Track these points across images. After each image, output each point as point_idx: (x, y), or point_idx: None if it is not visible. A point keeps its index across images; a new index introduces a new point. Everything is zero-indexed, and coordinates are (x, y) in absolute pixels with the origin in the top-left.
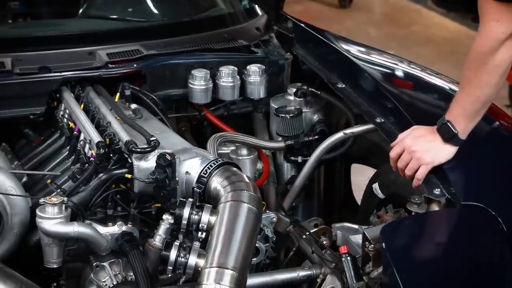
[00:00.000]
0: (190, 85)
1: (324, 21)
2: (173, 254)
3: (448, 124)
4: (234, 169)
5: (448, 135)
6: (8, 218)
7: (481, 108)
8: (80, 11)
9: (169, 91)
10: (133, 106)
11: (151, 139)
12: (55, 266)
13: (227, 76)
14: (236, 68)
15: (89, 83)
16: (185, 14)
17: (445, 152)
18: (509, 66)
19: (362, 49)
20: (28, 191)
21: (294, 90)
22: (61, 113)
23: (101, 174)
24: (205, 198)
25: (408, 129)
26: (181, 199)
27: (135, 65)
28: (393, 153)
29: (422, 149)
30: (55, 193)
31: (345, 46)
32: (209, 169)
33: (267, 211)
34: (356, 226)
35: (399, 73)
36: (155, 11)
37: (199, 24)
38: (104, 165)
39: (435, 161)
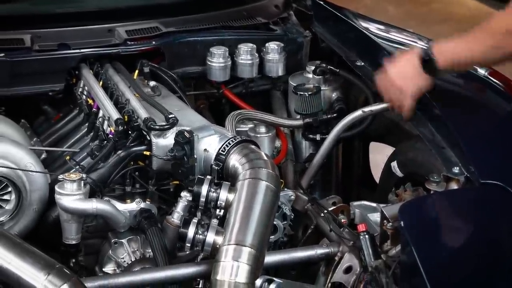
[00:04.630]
0: (209, 63)
1: None
2: (191, 231)
3: (429, 51)
4: (253, 146)
5: (427, 64)
6: (27, 194)
7: (468, 64)
8: None
9: (188, 69)
10: (152, 83)
11: (170, 116)
12: (73, 242)
13: (245, 53)
14: (254, 46)
15: (108, 60)
16: None
17: (426, 81)
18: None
19: (381, 26)
20: (47, 167)
21: (312, 68)
22: (80, 90)
23: (119, 151)
24: (223, 175)
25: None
26: (199, 176)
27: (153, 42)
28: (380, 87)
29: (404, 82)
30: (74, 169)
31: (364, 24)
32: (227, 146)
33: (285, 189)
34: (374, 204)
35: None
36: None
37: (218, 1)
38: (122, 142)
39: (417, 92)
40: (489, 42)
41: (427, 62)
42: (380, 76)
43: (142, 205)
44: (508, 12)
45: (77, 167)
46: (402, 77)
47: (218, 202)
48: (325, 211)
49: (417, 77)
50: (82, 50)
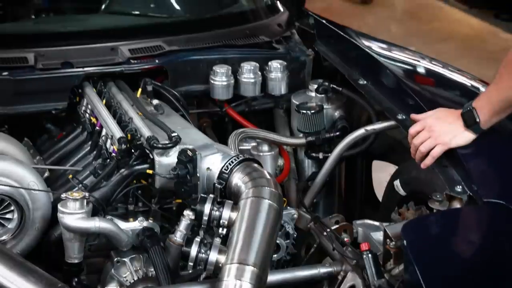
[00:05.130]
0: (212, 81)
1: (345, 17)
2: (194, 250)
3: (473, 111)
4: (255, 165)
5: (470, 121)
6: (30, 213)
7: (507, 107)
8: (103, 6)
9: (191, 87)
10: (155, 101)
11: (173, 134)
12: (76, 261)
13: (248, 72)
14: (257, 64)
15: (111, 78)
16: (207, 10)
17: (464, 137)
18: None
19: (384, 45)
20: (50, 186)
21: (315, 86)
22: (83, 108)
23: (122, 170)
24: (226, 194)
25: (433, 110)
26: (202, 195)
27: (157, 61)
28: (412, 130)
29: (441, 129)
30: (76, 188)
31: (366, 43)
32: (230, 165)
33: (288, 208)
34: (377, 223)
35: (421, 69)
36: (177, 7)
37: (221, 20)
38: (125, 160)
39: (452, 143)
40: None
41: (467, 116)
42: (417, 120)
43: (145, 223)
44: None
45: (80, 185)
46: (443, 125)
47: (221, 221)
48: (328, 230)
49: (457, 130)
50: (85, 69)
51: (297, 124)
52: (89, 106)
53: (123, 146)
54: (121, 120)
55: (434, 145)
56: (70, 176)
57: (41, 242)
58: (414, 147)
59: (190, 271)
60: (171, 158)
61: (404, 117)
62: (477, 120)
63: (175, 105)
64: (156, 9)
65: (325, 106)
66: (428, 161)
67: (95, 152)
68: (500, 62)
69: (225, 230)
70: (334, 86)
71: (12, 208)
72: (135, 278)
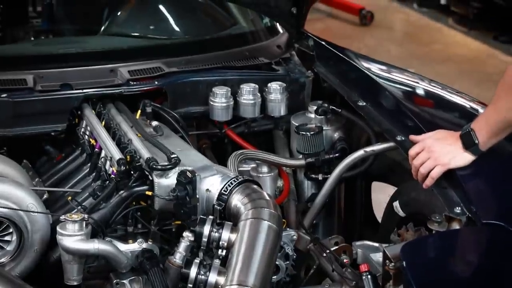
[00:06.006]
0: (211, 102)
1: (345, 38)
2: (193, 272)
3: (471, 132)
4: (255, 186)
5: (468, 143)
6: (28, 235)
7: (506, 128)
8: (102, 28)
9: (190, 109)
10: (154, 123)
11: (172, 156)
12: (75, 283)
13: (248, 93)
14: (257, 86)
15: (111, 100)
16: (207, 32)
17: (463, 158)
18: None
19: (383, 67)
20: (49, 208)
21: (314, 107)
22: (82, 130)
23: (121, 191)
24: (226, 215)
25: (433, 131)
26: (201, 216)
27: (156, 83)
28: (412, 151)
29: (441, 151)
30: (75, 210)
31: (365, 64)
32: (230, 186)
33: (288, 229)
34: (376, 244)
35: (420, 91)
36: (177, 28)
37: (220, 41)
38: (124, 182)
39: (451, 164)
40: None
41: (466, 138)
42: (416, 142)
43: (144, 245)
44: None
45: (79, 207)
46: (442, 146)
47: (220, 242)
48: (328, 251)
49: (456, 151)
50: (84, 90)
51: (296, 145)
52: (88, 128)
53: (122, 168)
54: (120, 141)
55: (434, 166)
56: (69, 198)
57: (40, 264)
58: (415, 168)
59: None
60: (170, 180)
61: (403, 138)
62: (476, 141)
63: (174, 126)
64: (155, 31)
65: (324, 128)
66: (428, 182)
67: (94, 174)
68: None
69: (224, 251)
70: (334, 107)
71: (11, 230)
72: None
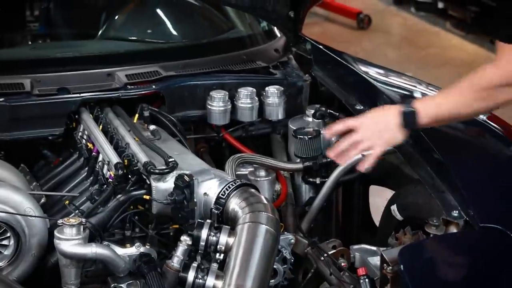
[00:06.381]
0: (209, 106)
1: (342, 42)
2: (191, 276)
3: (414, 114)
4: (252, 190)
5: (408, 122)
6: (26, 239)
7: (452, 120)
8: (99, 32)
9: (188, 112)
10: (152, 127)
11: (170, 160)
12: (73, 287)
13: (245, 97)
14: (254, 90)
15: (108, 104)
16: (204, 36)
17: (399, 136)
18: (500, 106)
19: (380, 71)
20: (46, 212)
21: (312, 111)
22: (80, 134)
23: (119, 195)
24: (223, 219)
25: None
26: (199, 220)
27: (153, 87)
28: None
29: (377, 128)
30: (73, 214)
31: (363, 68)
32: (227, 190)
33: (285, 233)
34: (374, 248)
35: (417, 94)
36: (174, 32)
37: (218, 45)
38: (122, 186)
39: (387, 143)
40: (473, 96)
41: (408, 117)
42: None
43: (142, 249)
44: (494, 66)
45: (77, 211)
46: (378, 125)
47: (218, 246)
48: (325, 255)
49: (392, 129)
50: (82, 95)
51: (294, 149)
52: (86, 132)
53: (120, 172)
54: (118, 145)
55: (370, 147)
56: (67, 202)
57: (38, 268)
58: (345, 145)
59: None
60: (168, 184)
61: None
62: (416, 122)
63: (172, 130)
64: (152, 35)
65: (322, 131)
66: (368, 164)
67: (91, 178)
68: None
69: (222, 255)
70: (331, 111)
71: (8, 234)
72: None
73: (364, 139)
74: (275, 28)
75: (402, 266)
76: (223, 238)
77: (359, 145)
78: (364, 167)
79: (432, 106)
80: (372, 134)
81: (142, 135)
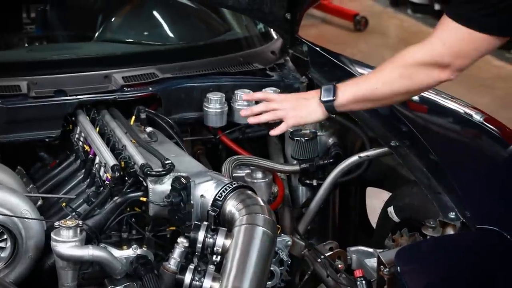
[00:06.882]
0: (205, 108)
1: (339, 44)
2: (188, 278)
3: (333, 88)
4: (249, 192)
5: (326, 95)
6: (23, 242)
7: (368, 99)
8: (96, 34)
9: (184, 114)
10: (149, 129)
11: (166, 162)
12: None
13: (242, 99)
14: (251, 91)
15: (105, 106)
16: (201, 38)
17: (316, 111)
18: (419, 91)
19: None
20: (43, 214)
21: None
22: (77, 136)
23: (116, 197)
24: (220, 221)
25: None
26: (196, 222)
27: (150, 89)
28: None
29: (294, 105)
30: (70, 216)
31: (360, 70)
32: (224, 192)
33: (282, 234)
34: (371, 250)
35: (414, 96)
36: (171, 34)
37: (215, 47)
38: (119, 188)
39: (303, 119)
40: (394, 73)
41: (326, 92)
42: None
43: (139, 251)
44: (420, 44)
45: (73, 213)
46: (298, 100)
47: (215, 248)
48: (322, 257)
49: (311, 106)
50: (78, 97)
51: (291, 151)
52: (83, 134)
53: (117, 174)
54: (115, 147)
55: (284, 116)
56: (64, 204)
57: (35, 271)
58: (261, 108)
59: None
60: (165, 186)
61: (397, 144)
62: (333, 97)
63: (168, 132)
64: (149, 37)
65: (318, 133)
66: (277, 131)
67: (88, 180)
68: (493, 89)
69: (219, 257)
70: None
71: (5, 236)
72: None
73: (281, 108)
74: (272, 30)
75: (399, 267)
76: (220, 240)
77: (274, 112)
78: (273, 132)
79: (351, 85)
80: (290, 106)
81: (138, 137)
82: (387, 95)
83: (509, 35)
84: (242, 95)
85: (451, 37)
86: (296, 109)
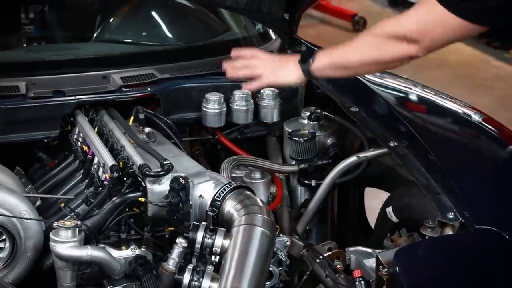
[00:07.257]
0: (204, 109)
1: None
2: (186, 278)
3: (314, 53)
4: (248, 192)
5: (303, 59)
6: (21, 242)
7: (341, 68)
8: (95, 35)
9: (183, 115)
10: (147, 129)
11: (165, 162)
12: None
13: (240, 99)
14: (249, 92)
15: (103, 106)
16: (199, 38)
17: (291, 75)
18: (389, 63)
19: (376, 73)
20: (41, 214)
21: (307, 113)
22: (75, 136)
23: (114, 198)
24: (219, 221)
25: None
26: (194, 222)
27: (149, 89)
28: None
29: (273, 64)
30: (68, 216)
31: None
32: (223, 192)
33: (281, 235)
34: (369, 250)
35: (413, 97)
36: (169, 35)
37: (213, 48)
38: (117, 188)
39: (278, 79)
40: (366, 41)
41: (304, 55)
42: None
43: (137, 251)
44: (395, 17)
45: (72, 214)
46: (279, 62)
47: (214, 249)
48: (321, 257)
49: (288, 68)
50: (77, 97)
51: (289, 151)
52: (81, 135)
53: (115, 174)
54: (113, 148)
55: (261, 75)
56: (62, 204)
57: (33, 271)
58: (242, 64)
59: None
60: (163, 186)
61: (396, 144)
62: (311, 60)
63: (167, 133)
64: (148, 37)
65: (317, 134)
66: (251, 86)
67: (87, 181)
68: (492, 90)
69: (217, 257)
70: (327, 113)
71: (3, 237)
72: None
73: (259, 66)
74: (270, 31)
75: (397, 268)
76: (219, 240)
77: (253, 68)
78: (246, 86)
79: (329, 51)
80: (270, 66)
81: (137, 138)
82: (358, 64)
83: (483, 25)
84: (231, 53)
85: (426, 15)
86: (274, 69)
